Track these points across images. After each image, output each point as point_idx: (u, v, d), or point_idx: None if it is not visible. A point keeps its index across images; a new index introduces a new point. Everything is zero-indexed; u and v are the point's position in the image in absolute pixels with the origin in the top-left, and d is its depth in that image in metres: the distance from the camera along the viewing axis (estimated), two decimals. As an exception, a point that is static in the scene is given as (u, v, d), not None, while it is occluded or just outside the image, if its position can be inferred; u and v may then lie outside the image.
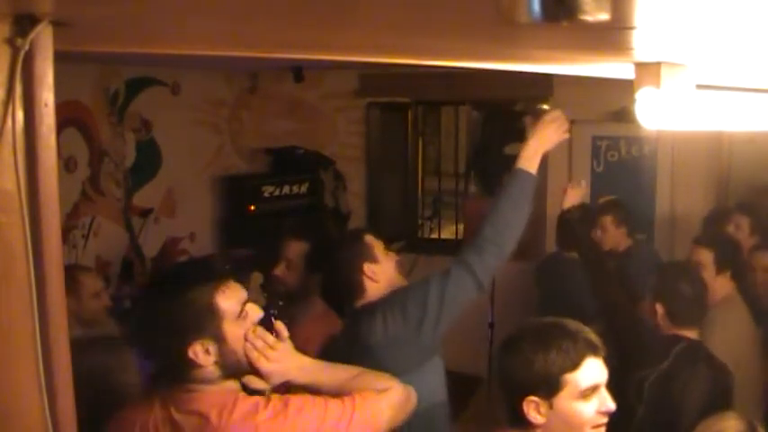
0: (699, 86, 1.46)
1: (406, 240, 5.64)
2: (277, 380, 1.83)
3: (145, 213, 5.09)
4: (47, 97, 1.19)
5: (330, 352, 2.36)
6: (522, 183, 2.43)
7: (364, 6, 1.01)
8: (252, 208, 5.45)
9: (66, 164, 4.45)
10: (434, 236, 6.26)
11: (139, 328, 1.85)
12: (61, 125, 3.08)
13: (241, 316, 1.77)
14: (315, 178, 5.77)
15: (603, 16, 0.72)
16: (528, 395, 1.72)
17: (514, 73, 2.76)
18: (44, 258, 1.20)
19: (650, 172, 5.09)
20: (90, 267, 4.05)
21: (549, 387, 1.70)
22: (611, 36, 1.12)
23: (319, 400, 1.77)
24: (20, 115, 1.15)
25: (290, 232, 3.22)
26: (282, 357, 1.83)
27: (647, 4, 0.85)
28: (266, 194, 5.51)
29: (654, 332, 2.88)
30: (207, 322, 1.72)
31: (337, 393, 1.81)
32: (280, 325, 1.88)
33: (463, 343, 5.22)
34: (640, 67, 1.41)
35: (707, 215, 4.15)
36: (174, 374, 1.75)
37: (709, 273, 3.06)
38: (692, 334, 2.70)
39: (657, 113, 1.40)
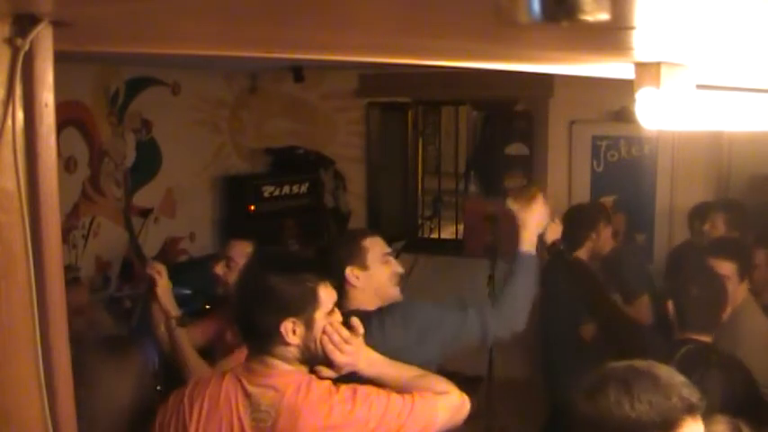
0: (699, 86, 1.46)
1: (406, 240, 5.64)
2: (346, 371, 1.94)
3: (145, 213, 5.09)
4: (47, 97, 1.19)
5: None
6: (529, 265, 2.54)
7: (364, 6, 1.01)
8: (252, 208, 5.45)
9: (66, 164, 4.45)
10: (434, 236, 6.25)
11: (240, 297, 1.97)
12: (61, 125, 3.09)
13: (329, 313, 1.92)
14: (315, 178, 5.77)
15: (603, 16, 0.72)
16: None
17: (514, 73, 2.76)
18: (44, 258, 1.20)
19: (650, 172, 5.09)
20: (76, 279, 4.03)
21: None
22: (611, 36, 1.12)
23: (383, 392, 1.88)
24: (20, 115, 1.15)
25: (235, 235, 3.21)
26: (354, 351, 1.94)
27: (647, 4, 0.85)
28: (266, 194, 5.51)
29: (655, 335, 2.86)
30: (305, 305, 1.88)
31: (398, 390, 1.91)
32: (356, 321, 1.98)
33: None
34: (640, 67, 1.41)
35: (691, 212, 4.15)
36: (258, 346, 1.88)
37: (732, 283, 3.00)
38: (704, 338, 2.64)
39: (657, 113, 1.40)
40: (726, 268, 3.06)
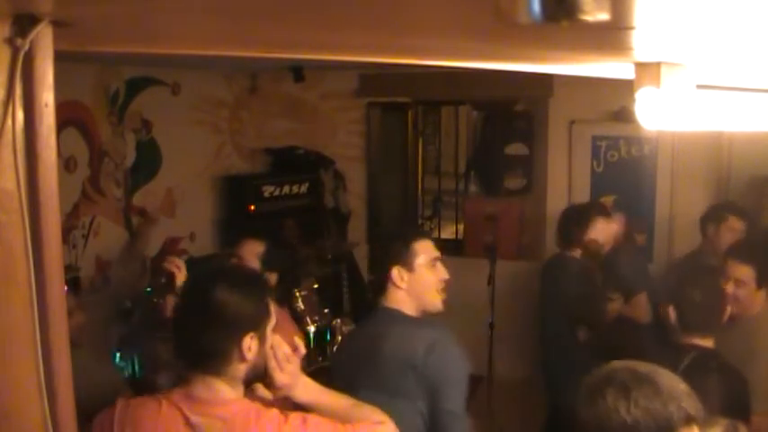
0: (699, 86, 1.46)
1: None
2: (283, 393, 1.88)
3: (145, 213, 5.09)
4: (47, 97, 1.19)
5: (354, 343, 2.47)
6: None
7: (364, 7, 1.01)
8: (252, 208, 5.45)
9: (66, 164, 4.45)
10: (434, 236, 6.25)
11: (193, 316, 1.84)
12: (61, 125, 3.09)
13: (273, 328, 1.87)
14: (315, 178, 5.77)
15: (603, 16, 0.72)
16: None
17: (514, 73, 2.76)
18: (44, 258, 1.19)
19: (650, 172, 5.10)
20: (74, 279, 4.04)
21: None
22: (611, 36, 1.12)
23: (330, 421, 1.82)
24: (20, 115, 1.15)
25: (250, 234, 3.22)
26: (294, 372, 1.88)
27: (646, 4, 0.85)
28: (266, 194, 5.52)
29: (658, 342, 2.84)
30: (261, 319, 1.81)
31: (333, 418, 1.85)
32: (299, 342, 1.94)
33: (463, 343, 5.21)
34: (640, 67, 1.41)
35: (703, 216, 4.13)
36: (210, 366, 1.77)
37: (748, 288, 2.98)
38: (705, 342, 2.64)
39: (657, 113, 1.40)
40: (742, 271, 3.03)
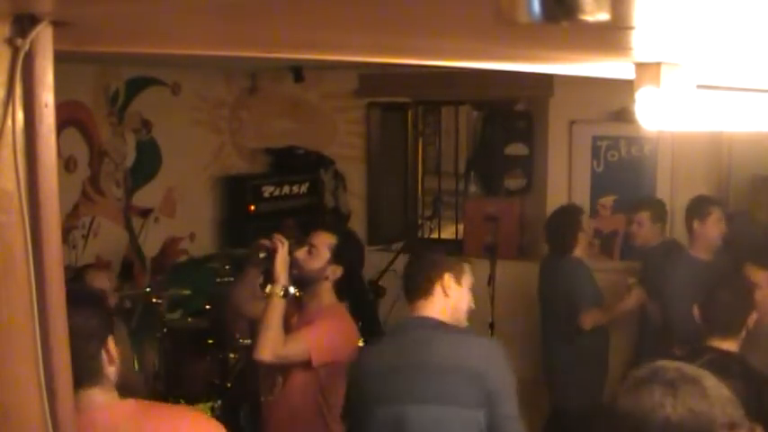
0: (699, 86, 1.46)
1: (406, 240, 5.64)
2: None
3: (145, 213, 5.09)
4: (47, 97, 1.19)
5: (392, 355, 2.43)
6: None
7: (364, 6, 1.01)
8: (252, 208, 5.45)
9: (66, 164, 4.46)
10: (434, 236, 6.25)
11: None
12: (61, 125, 3.09)
13: None
14: (315, 178, 5.77)
15: (603, 16, 0.72)
16: None
17: (514, 73, 2.76)
18: (44, 258, 1.19)
19: (650, 172, 5.10)
20: (100, 266, 4.06)
21: None
22: (611, 36, 1.12)
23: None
24: (20, 115, 1.15)
25: (321, 226, 3.29)
26: None
27: (646, 4, 0.85)
28: (266, 194, 5.52)
29: (669, 344, 2.82)
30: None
31: None
32: None
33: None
34: (640, 67, 1.41)
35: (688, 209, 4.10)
36: (92, 378, 1.75)
37: (764, 292, 2.99)
38: (728, 345, 2.62)
39: (657, 113, 1.40)
40: (760, 277, 3.03)
